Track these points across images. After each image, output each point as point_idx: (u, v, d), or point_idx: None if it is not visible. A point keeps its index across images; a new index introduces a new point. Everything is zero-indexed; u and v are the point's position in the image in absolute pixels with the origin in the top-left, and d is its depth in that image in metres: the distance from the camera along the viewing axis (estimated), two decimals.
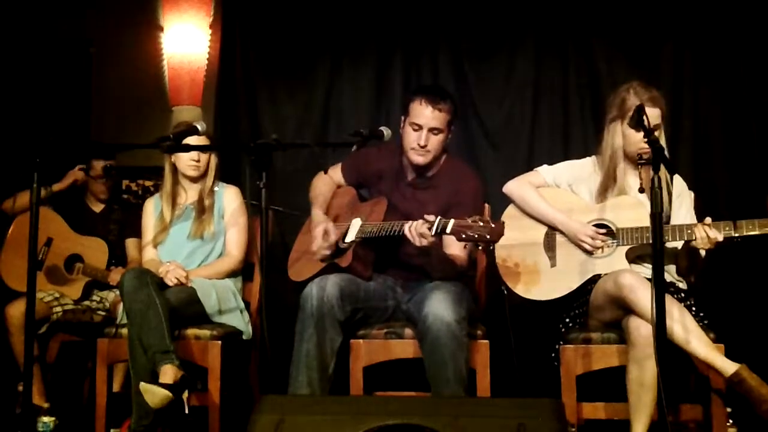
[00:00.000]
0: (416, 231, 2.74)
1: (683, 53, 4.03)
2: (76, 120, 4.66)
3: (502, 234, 2.60)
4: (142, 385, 2.77)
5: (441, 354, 2.77)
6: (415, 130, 3.02)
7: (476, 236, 2.57)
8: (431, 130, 3.01)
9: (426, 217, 2.72)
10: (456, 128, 3.15)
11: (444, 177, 3.12)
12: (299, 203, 3.62)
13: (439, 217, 2.68)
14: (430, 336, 2.78)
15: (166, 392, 2.75)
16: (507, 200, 3.18)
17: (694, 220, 2.93)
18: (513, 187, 3.14)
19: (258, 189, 2.50)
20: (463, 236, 2.59)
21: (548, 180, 3.13)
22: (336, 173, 3.32)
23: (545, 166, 3.17)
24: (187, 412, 2.82)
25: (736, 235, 2.75)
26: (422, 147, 3.02)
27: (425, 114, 3.00)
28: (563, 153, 3.92)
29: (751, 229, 2.75)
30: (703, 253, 2.89)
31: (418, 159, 3.05)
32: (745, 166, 3.92)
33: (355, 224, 3.10)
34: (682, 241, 2.83)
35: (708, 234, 2.74)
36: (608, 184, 3.01)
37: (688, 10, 4.02)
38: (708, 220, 2.78)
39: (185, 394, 2.83)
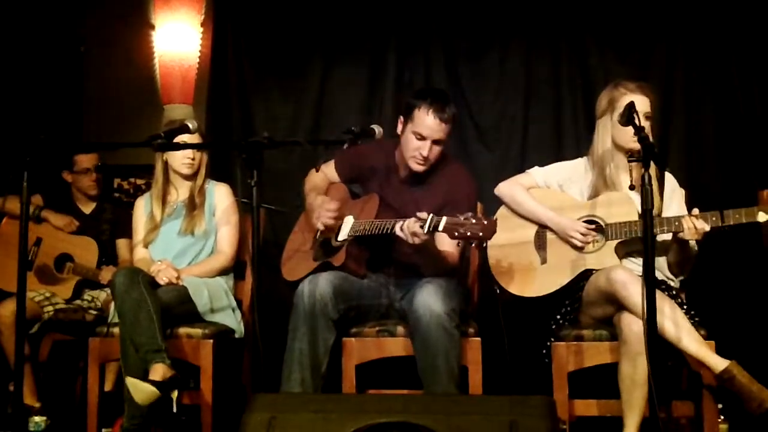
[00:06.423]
0: (409, 230, 2.73)
1: (675, 52, 4.03)
2: (67, 118, 4.64)
3: (494, 231, 2.59)
4: (129, 380, 2.76)
5: (431, 345, 2.77)
6: (418, 139, 2.98)
7: (469, 234, 2.57)
8: (435, 141, 2.98)
9: (418, 215, 2.72)
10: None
11: (439, 175, 3.10)
12: (291, 201, 3.62)
13: (431, 215, 2.68)
14: (421, 327, 2.79)
15: (152, 389, 2.74)
16: (500, 200, 3.18)
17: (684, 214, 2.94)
18: (504, 188, 3.16)
19: (249, 187, 2.50)
20: (456, 234, 2.60)
21: (539, 181, 3.14)
22: (329, 169, 3.32)
23: (536, 168, 3.18)
24: (174, 411, 2.81)
25: (723, 224, 2.75)
26: (424, 158, 2.99)
27: (430, 126, 2.95)
28: (556, 152, 3.93)
29: (738, 218, 2.75)
30: (694, 246, 2.90)
31: (418, 168, 3.03)
32: (736, 164, 3.93)
33: (348, 222, 3.10)
34: (671, 234, 2.83)
35: (695, 225, 2.74)
36: (600, 183, 3.02)
37: (680, 9, 4.03)
38: (695, 211, 2.79)
39: (174, 393, 2.82)
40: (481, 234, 2.57)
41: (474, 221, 2.57)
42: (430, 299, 2.79)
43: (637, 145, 2.90)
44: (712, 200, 3.82)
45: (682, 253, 2.92)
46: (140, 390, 2.74)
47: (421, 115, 2.96)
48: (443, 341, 2.77)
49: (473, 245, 2.62)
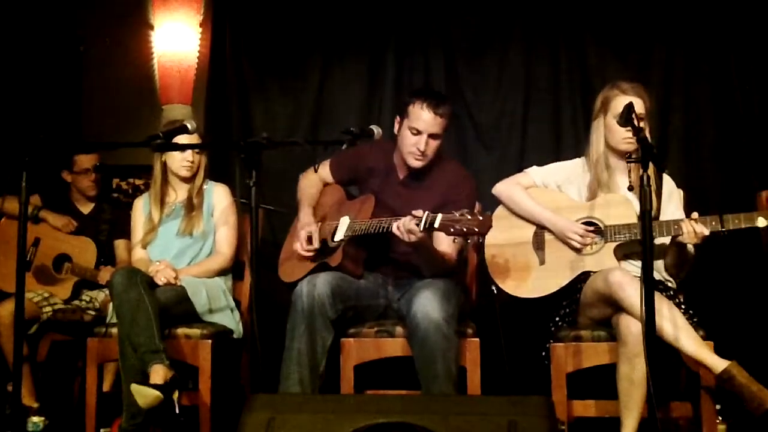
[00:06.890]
0: (404, 227, 2.73)
1: (675, 52, 4.04)
2: (66, 118, 4.64)
3: (490, 227, 2.60)
4: (133, 387, 2.76)
5: (430, 351, 2.77)
6: (413, 134, 2.99)
7: (465, 230, 2.57)
8: (431, 135, 2.99)
9: (414, 212, 2.72)
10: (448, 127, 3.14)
11: (438, 176, 3.11)
12: (290, 201, 3.61)
13: (426, 213, 2.68)
14: (419, 334, 2.78)
15: (156, 393, 2.74)
16: (498, 200, 3.18)
17: (683, 218, 2.94)
18: (501, 188, 3.16)
19: (248, 187, 2.50)
20: (452, 230, 2.59)
21: (537, 181, 3.14)
22: (324, 170, 3.31)
23: (535, 168, 3.18)
24: (177, 411, 2.81)
25: (723, 229, 2.76)
26: (421, 152, 3.00)
27: (426, 120, 2.96)
28: (555, 152, 3.93)
29: (738, 223, 2.75)
30: (691, 248, 2.90)
31: (416, 163, 3.04)
32: (735, 165, 3.93)
33: (344, 222, 3.10)
34: (670, 237, 2.84)
35: (695, 229, 2.75)
36: (597, 184, 3.02)
37: (679, 9, 4.03)
38: (695, 215, 2.79)
39: (175, 394, 2.82)
40: (476, 229, 2.57)
41: (470, 217, 2.57)
42: (428, 305, 2.78)
43: (628, 146, 2.92)
44: (710, 201, 3.83)
45: (679, 256, 2.92)
46: (144, 395, 2.74)
47: (416, 110, 2.98)
48: (442, 345, 2.76)
49: (470, 243, 2.61)
